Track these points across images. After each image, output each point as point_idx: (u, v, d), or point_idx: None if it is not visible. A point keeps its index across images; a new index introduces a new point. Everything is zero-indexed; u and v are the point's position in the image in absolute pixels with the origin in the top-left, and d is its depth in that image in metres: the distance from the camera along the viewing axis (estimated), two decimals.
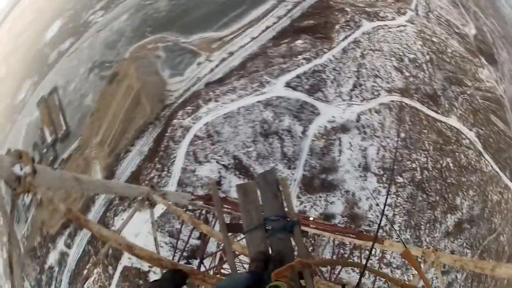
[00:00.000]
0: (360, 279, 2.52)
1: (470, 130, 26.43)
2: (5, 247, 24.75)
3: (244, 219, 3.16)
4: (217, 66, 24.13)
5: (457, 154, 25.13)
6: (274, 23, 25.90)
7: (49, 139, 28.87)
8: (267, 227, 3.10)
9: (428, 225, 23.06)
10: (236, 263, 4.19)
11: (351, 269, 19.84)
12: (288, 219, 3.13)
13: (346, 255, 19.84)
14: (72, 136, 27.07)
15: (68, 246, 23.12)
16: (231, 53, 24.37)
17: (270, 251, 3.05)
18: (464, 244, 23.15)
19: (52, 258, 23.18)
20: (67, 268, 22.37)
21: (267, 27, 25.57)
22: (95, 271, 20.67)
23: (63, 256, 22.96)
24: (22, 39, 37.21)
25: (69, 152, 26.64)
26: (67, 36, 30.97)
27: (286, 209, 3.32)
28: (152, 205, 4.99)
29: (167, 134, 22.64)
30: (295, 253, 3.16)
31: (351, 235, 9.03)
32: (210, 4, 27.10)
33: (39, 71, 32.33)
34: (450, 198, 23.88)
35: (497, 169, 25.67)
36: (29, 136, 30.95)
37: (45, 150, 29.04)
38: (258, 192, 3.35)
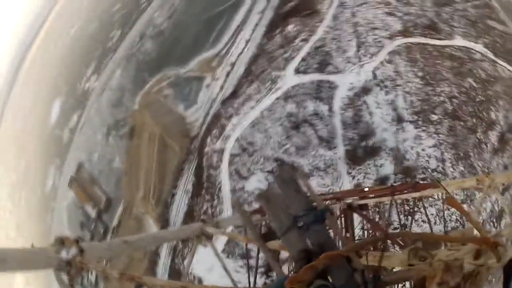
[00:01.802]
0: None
1: (476, 43, 25.78)
2: None
3: (275, 225, 3.07)
4: (225, 81, 24.07)
5: (475, 71, 24.39)
6: (260, 18, 25.69)
7: (93, 214, 29.19)
8: (299, 225, 3.00)
9: (475, 150, 22.47)
10: None
11: (422, 220, 19.58)
12: (317, 209, 3.03)
13: (412, 210, 19.59)
14: (114, 202, 27.32)
15: None
16: (233, 64, 24.28)
17: (311, 247, 2.94)
18: None
19: None
20: None
21: (256, 25, 25.38)
22: None
23: None
24: (28, 129, 37.92)
25: (118, 218, 26.90)
26: (71, 111, 31.39)
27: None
28: (209, 237, 5.03)
29: (204, 165, 22.64)
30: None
31: (409, 190, 8.67)
32: (193, 27, 27.01)
33: (58, 154, 32.82)
34: (485, 116, 23.20)
35: None
36: (72, 218, 31.39)
37: (93, 226, 29.39)
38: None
